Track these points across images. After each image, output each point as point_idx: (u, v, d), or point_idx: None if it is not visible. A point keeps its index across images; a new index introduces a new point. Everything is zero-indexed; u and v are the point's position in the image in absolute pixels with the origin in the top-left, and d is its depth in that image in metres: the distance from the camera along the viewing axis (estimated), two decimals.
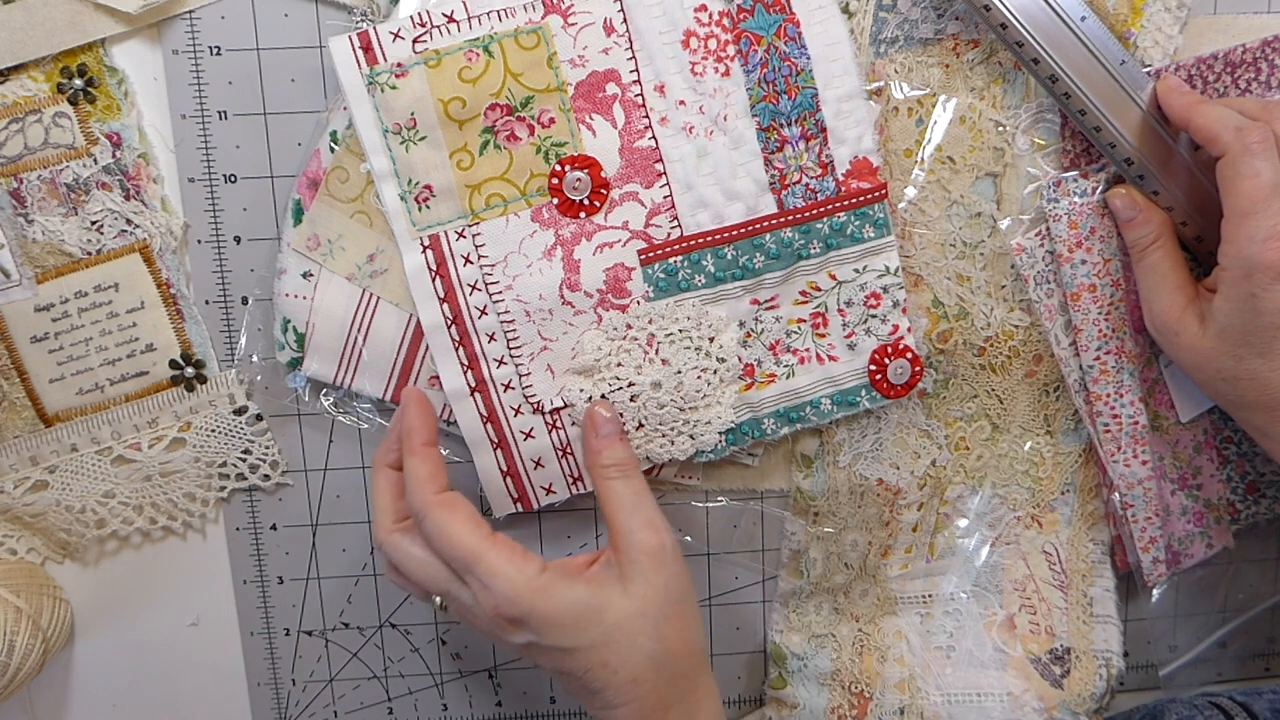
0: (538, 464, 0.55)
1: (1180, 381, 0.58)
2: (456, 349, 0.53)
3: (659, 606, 0.46)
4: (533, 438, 0.55)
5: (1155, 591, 0.59)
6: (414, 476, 0.48)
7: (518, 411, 0.54)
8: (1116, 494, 0.57)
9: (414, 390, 0.51)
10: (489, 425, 0.54)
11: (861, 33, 0.53)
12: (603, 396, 0.54)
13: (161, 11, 0.52)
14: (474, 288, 0.53)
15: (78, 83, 0.52)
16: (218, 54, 0.53)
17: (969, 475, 0.59)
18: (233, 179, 0.55)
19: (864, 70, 0.53)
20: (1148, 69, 0.52)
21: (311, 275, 0.54)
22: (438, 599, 0.49)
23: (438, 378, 0.54)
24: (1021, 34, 0.50)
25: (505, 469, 0.55)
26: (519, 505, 0.56)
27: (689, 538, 0.60)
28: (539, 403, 0.54)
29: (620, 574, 0.47)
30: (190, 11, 0.53)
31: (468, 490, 0.59)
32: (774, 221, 0.53)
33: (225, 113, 0.54)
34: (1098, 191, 0.53)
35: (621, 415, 0.54)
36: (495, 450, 0.55)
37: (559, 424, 0.55)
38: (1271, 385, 0.48)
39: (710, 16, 0.51)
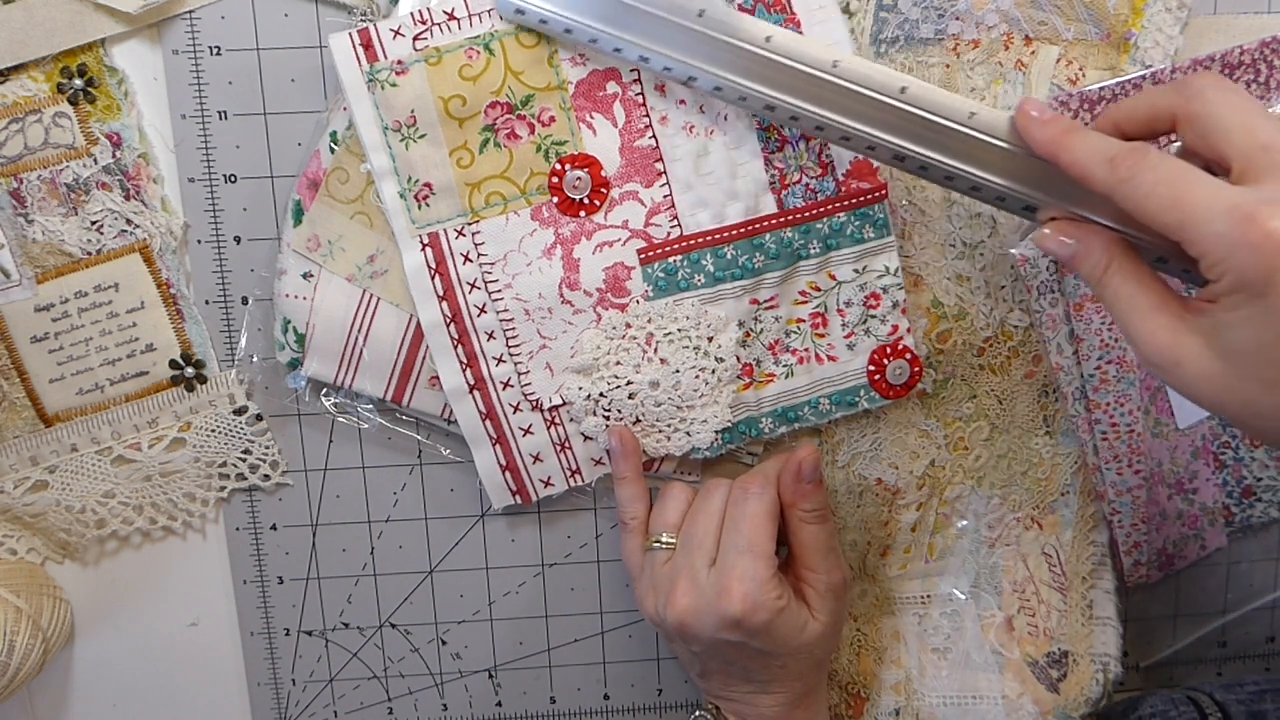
0: (536, 459, 0.55)
1: None
2: (455, 347, 0.53)
3: (834, 628, 0.53)
4: (531, 434, 0.55)
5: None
6: (774, 466, 0.54)
7: (516, 409, 0.54)
8: (1105, 501, 0.57)
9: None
10: (488, 422, 0.54)
11: (861, 33, 0.53)
12: (600, 395, 0.54)
13: (161, 11, 0.52)
14: (473, 286, 0.53)
15: (78, 83, 0.52)
16: (218, 54, 0.53)
17: (968, 475, 0.59)
18: (233, 179, 0.55)
19: None
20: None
21: (311, 276, 0.54)
22: (658, 539, 0.53)
23: (438, 378, 0.54)
24: (899, 146, 0.47)
25: (504, 464, 0.55)
26: (517, 498, 0.56)
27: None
28: (538, 400, 0.54)
29: (807, 601, 0.52)
30: (190, 11, 0.53)
31: (466, 485, 0.59)
32: (774, 221, 0.53)
33: (225, 113, 0.54)
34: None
35: (619, 412, 0.54)
36: (494, 446, 0.55)
37: (558, 420, 0.55)
38: None
39: None
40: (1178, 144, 0.42)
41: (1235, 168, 0.37)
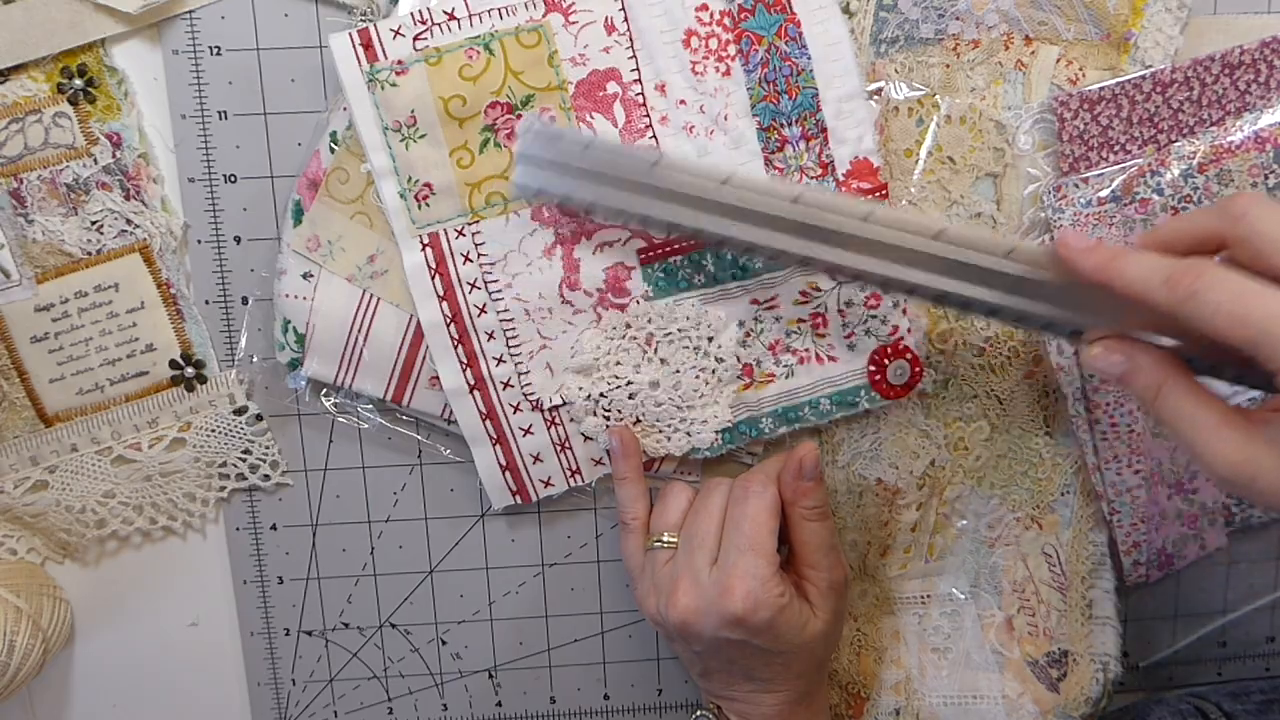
0: (536, 459, 0.56)
1: None
2: (455, 347, 0.53)
3: (835, 626, 0.53)
4: (531, 434, 0.55)
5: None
6: (775, 465, 0.54)
7: (516, 409, 0.54)
8: (1104, 501, 0.57)
9: None
10: (488, 422, 0.54)
11: (862, 33, 0.53)
12: (601, 395, 0.54)
13: (161, 11, 0.52)
14: (473, 286, 0.53)
15: (78, 83, 0.52)
16: (218, 54, 0.53)
17: (968, 475, 0.59)
18: (233, 179, 0.55)
19: (864, 70, 0.53)
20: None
21: (311, 276, 0.54)
22: (659, 538, 0.53)
23: (438, 378, 0.54)
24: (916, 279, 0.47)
25: (504, 464, 0.55)
26: (517, 498, 0.56)
27: None
28: (538, 400, 0.54)
29: (809, 599, 0.52)
30: (190, 11, 0.53)
31: (466, 485, 0.59)
32: None
33: (225, 113, 0.54)
34: (1104, 203, 0.52)
35: (620, 412, 0.54)
36: (494, 446, 0.55)
37: (558, 420, 0.55)
38: None
39: (711, 16, 0.51)
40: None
41: None
